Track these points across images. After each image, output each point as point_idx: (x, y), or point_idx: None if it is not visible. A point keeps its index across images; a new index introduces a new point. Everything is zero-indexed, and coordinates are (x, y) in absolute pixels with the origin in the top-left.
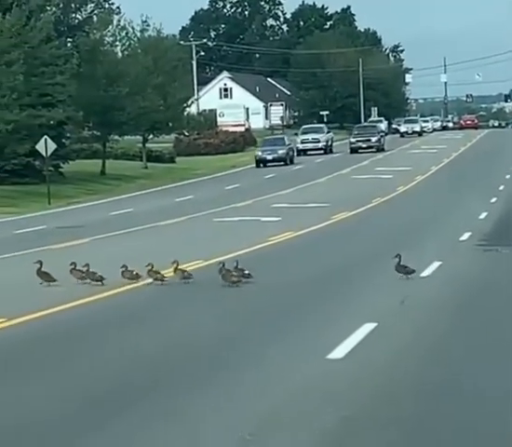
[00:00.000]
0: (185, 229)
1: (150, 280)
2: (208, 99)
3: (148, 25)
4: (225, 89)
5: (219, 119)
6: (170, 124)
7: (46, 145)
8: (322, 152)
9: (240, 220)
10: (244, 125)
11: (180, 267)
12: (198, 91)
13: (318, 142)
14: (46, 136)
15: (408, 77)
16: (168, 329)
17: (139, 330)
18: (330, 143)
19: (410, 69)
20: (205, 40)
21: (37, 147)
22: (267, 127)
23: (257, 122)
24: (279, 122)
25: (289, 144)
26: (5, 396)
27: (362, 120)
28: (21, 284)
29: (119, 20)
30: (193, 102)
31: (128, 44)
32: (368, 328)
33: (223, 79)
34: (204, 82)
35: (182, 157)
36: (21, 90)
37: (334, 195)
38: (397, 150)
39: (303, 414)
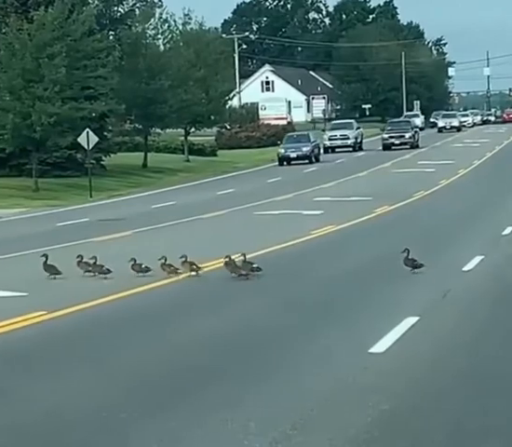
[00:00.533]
0: (226, 222)
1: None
2: (249, 92)
3: (190, 18)
4: (267, 83)
5: (260, 112)
6: (212, 117)
7: (88, 138)
8: (351, 149)
9: (281, 213)
10: (286, 118)
11: (188, 260)
12: (240, 84)
13: (347, 138)
14: (88, 129)
15: (451, 71)
16: (217, 320)
17: (185, 320)
18: (359, 140)
19: (453, 62)
20: (247, 33)
21: (79, 140)
22: (309, 120)
23: (299, 115)
24: (321, 115)
25: (314, 141)
26: (61, 383)
27: (404, 114)
28: (65, 276)
29: (161, 14)
30: (235, 95)
31: (170, 37)
32: (409, 322)
33: (265, 72)
34: (246, 75)
35: (224, 150)
36: (64, 83)
37: (376, 188)
38: (441, 143)
39: (344, 408)
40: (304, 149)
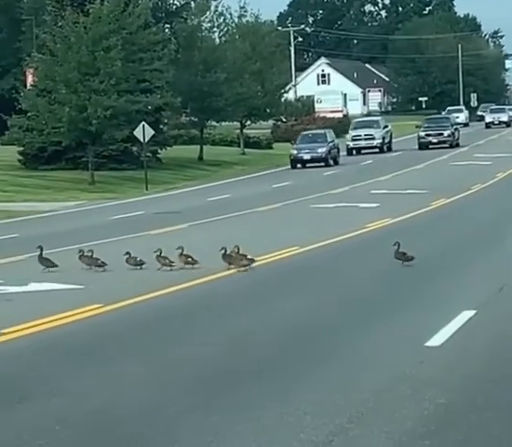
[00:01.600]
0: (282, 215)
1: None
2: (305, 85)
3: (246, 11)
4: (323, 75)
5: (316, 105)
6: (268, 110)
7: (144, 131)
8: (377, 151)
9: (337, 206)
10: (341, 111)
11: (185, 253)
12: (296, 77)
13: (373, 138)
14: (143, 122)
15: (507, 63)
16: (269, 314)
17: (238, 314)
18: (387, 140)
19: (510, 55)
20: (303, 26)
21: (135, 133)
22: (365, 113)
23: (355, 108)
24: (377, 108)
25: (332, 141)
26: (115, 377)
27: (447, 108)
28: (120, 268)
29: (217, 7)
30: (290, 88)
31: (225, 30)
32: (466, 315)
33: (321, 65)
34: (302, 68)
35: (280, 143)
36: (119, 76)
37: (433, 181)
38: (484, 141)
39: (401, 401)
40: (320, 150)
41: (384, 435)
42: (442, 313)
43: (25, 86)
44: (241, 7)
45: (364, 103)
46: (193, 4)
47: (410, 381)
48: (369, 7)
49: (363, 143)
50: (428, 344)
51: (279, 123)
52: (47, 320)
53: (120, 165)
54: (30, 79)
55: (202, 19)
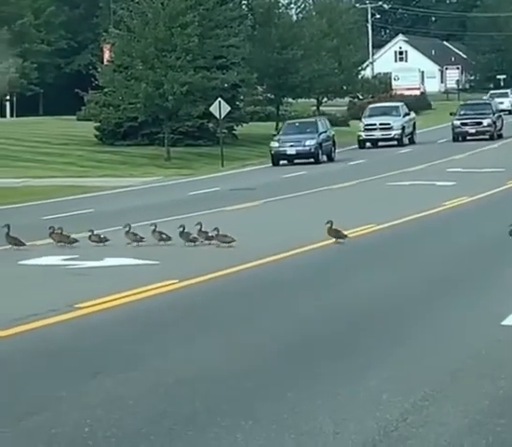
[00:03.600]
0: (357, 193)
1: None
2: (382, 62)
3: None
4: (400, 53)
5: (393, 83)
6: (344, 87)
7: (220, 108)
8: (395, 143)
9: (413, 184)
10: (419, 88)
11: (158, 230)
12: (373, 54)
13: (390, 128)
14: (220, 98)
15: None
16: (342, 292)
17: (315, 290)
18: (409, 131)
19: None
20: (380, 3)
21: (211, 109)
22: (443, 90)
23: (432, 86)
24: (455, 86)
25: (325, 132)
26: (192, 352)
27: (490, 92)
28: (197, 245)
29: None
30: (367, 66)
31: (302, 6)
32: None
33: (399, 42)
34: (379, 45)
35: (356, 121)
36: (196, 52)
37: (510, 160)
38: None
39: (477, 380)
40: (308, 143)
41: (459, 414)
42: None
43: (102, 61)
44: None
45: (441, 81)
46: None
47: (487, 360)
48: None
49: (378, 134)
50: (505, 322)
51: (356, 100)
52: (122, 295)
53: (196, 141)
54: (107, 55)
55: None
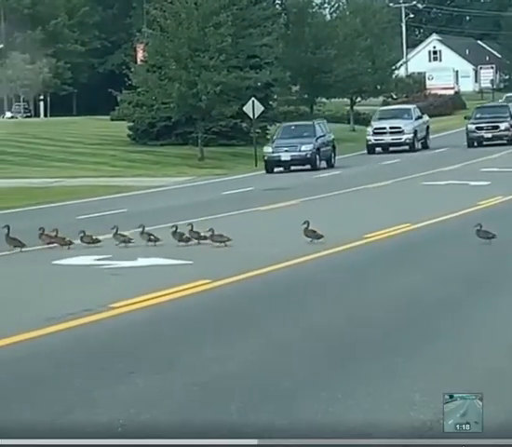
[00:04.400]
0: (392, 192)
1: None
2: (416, 61)
3: None
4: (434, 52)
5: (427, 82)
6: (378, 87)
7: (253, 107)
8: (407, 147)
9: (448, 184)
10: (453, 88)
11: (146, 231)
12: (407, 54)
13: (401, 132)
14: (253, 98)
15: None
16: (384, 290)
17: (354, 288)
18: (422, 135)
19: None
20: (414, 2)
21: (245, 109)
22: (477, 90)
23: (466, 85)
24: (489, 85)
25: (323, 136)
26: (226, 351)
27: (506, 95)
28: (230, 244)
29: None
30: (401, 65)
31: (336, 6)
32: None
33: (433, 42)
34: (413, 44)
35: None
36: (229, 52)
37: None
38: None
39: None
40: (304, 148)
41: (494, 413)
42: None
43: (135, 61)
44: None
45: (476, 80)
46: None
47: None
48: None
49: (388, 139)
50: None
51: (390, 100)
52: (155, 295)
53: (229, 141)
54: (140, 55)
55: None
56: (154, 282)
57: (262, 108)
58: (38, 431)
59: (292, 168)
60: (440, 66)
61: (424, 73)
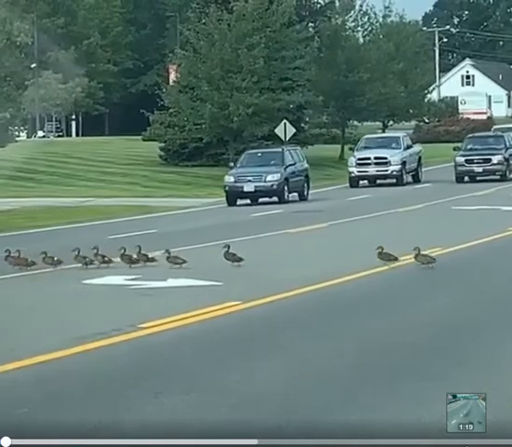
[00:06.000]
0: (423, 216)
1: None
2: (449, 86)
3: (391, 11)
4: (467, 77)
5: (460, 107)
6: (411, 110)
7: (285, 129)
8: (394, 180)
9: (479, 209)
10: (486, 113)
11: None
12: (440, 78)
13: (387, 163)
14: (285, 120)
15: None
16: (417, 310)
17: (389, 310)
18: (412, 166)
19: None
20: (448, 26)
21: (276, 131)
22: (510, 115)
23: (499, 110)
24: None
25: (293, 165)
26: (256, 371)
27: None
28: (259, 266)
29: (361, 6)
30: (434, 89)
31: (369, 29)
32: None
33: (466, 66)
34: (446, 69)
35: (422, 144)
36: (262, 74)
37: None
38: None
39: None
40: (270, 178)
41: None
42: None
43: (168, 82)
44: (386, 7)
45: (509, 106)
46: (337, 3)
47: None
48: None
49: (372, 170)
50: None
51: (422, 123)
52: (185, 316)
53: None
54: (172, 75)
55: (346, 18)
56: (184, 303)
57: (294, 130)
58: None
59: (260, 200)
60: (473, 91)
61: (457, 97)
